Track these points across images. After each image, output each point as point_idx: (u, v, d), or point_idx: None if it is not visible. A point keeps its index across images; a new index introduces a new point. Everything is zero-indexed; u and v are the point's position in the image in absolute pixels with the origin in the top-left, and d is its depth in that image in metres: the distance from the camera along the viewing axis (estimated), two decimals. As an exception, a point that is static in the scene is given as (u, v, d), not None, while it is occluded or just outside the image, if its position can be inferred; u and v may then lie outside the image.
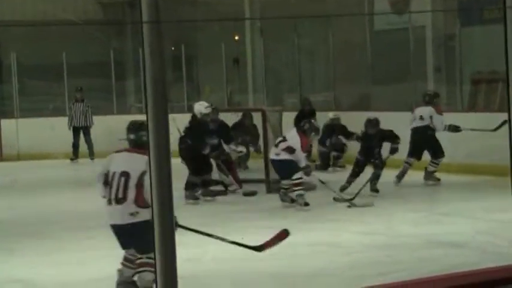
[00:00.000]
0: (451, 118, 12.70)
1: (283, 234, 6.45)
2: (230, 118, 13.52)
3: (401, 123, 14.24)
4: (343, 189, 11.50)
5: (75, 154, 17.69)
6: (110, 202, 6.43)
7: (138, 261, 6.42)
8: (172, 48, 19.71)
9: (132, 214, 6.33)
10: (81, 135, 17.78)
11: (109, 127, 17.47)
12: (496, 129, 11.52)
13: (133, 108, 21.83)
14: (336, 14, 16.13)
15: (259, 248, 6.48)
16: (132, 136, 6.61)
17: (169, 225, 2.68)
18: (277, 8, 19.10)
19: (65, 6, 20.89)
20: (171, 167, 2.80)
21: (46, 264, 8.16)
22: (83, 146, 17.62)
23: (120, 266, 6.73)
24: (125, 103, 21.78)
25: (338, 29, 17.34)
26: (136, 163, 6.36)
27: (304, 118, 12.38)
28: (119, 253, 8.29)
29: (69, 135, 17.65)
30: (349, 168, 12.28)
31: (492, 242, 8.28)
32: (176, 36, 19.42)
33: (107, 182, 6.46)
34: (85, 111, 17.88)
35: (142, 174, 6.25)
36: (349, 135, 13.72)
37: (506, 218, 9.48)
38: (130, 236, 6.41)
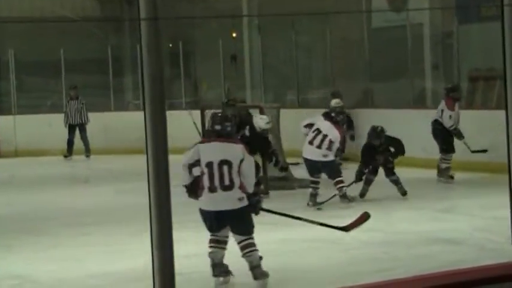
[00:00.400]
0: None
1: (365, 216, 7.47)
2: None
3: (398, 120, 14.29)
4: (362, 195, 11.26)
5: (69, 151, 17.62)
6: (214, 190, 6.67)
7: (243, 243, 6.78)
8: (170, 45, 19.70)
9: (240, 199, 6.70)
10: (77, 132, 17.70)
11: (106, 124, 17.51)
12: (474, 152, 12.17)
13: (131, 105, 21.82)
14: (334, 11, 16.11)
15: (345, 228, 7.44)
16: (218, 127, 6.86)
17: (167, 223, 2.68)
18: (275, 5, 19.09)
19: (62, 3, 20.87)
20: (168, 163, 2.81)
21: (44, 260, 8.18)
22: (78, 143, 17.59)
23: (211, 250, 6.96)
24: (123, 100, 21.76)
25: (336, 26, 17.32)
26: (233, 152, 6.74)
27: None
28: (116, 249, 8.33)
29: (66, 132, 17.64)
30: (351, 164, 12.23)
31: (490, 239, 8.30)
32: (174, 32, 19.41)
33: (190, 171, 6.76)
34: (80, 109, 17.76)
35: (241, 162, 6.69)
36: (350, 126, 13.50)
37: (503, 215, 9.49)
38: (237, 220, 6.75)
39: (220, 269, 6.93)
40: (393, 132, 14.11)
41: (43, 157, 17.40)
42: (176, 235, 2.94)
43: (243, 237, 6.80)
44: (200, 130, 12.70)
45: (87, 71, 20.70)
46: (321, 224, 7.40)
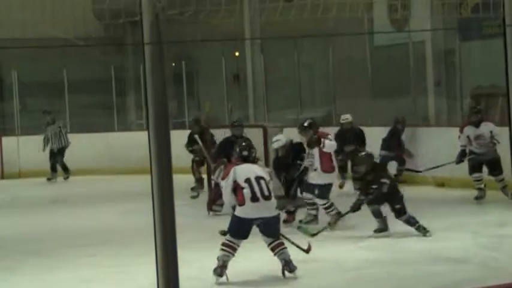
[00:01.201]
0: (452, 133, 12.69)
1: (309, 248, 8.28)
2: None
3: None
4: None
5: (53, 175, 17.47)
6: (257, 199, 7.74)
7: (275, 243, 7.85)
8: (173, 64, 19.74)
9: (276, 208, 7.96)
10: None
11: (110, 144, 17.50)
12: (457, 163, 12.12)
13: (134, 124, 21.85)
14: (336, 32, 16.15)
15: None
16: (246, 153, 8.27)
17: (171, 243, 2.69)
18: (277, 26, 19.13)
19: (65, 25, 20.92)
20: (173, 182, 2.82)
21: (49, 282, 8.16)
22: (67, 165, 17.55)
23: (225, 253, 7.77)
24: (126, 120, 21.80)
25: (338, 44, 17.36)
26: (262, 171, 8.10)
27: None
28: (121, 270, 8.31)
29: (69, 153, 17.55)
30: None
31: (494, 257, 8.27)
32: (177, 52, 19.45)
33: (234, 190, 7.86)
34: (58, 133, 17.56)
35: (269, 179, 8.08)
36: (362, 143, 13.29)
37: (508, 233, 9.48)
38: (273, 224, 7.90)
39: (224, 270, 7.74)
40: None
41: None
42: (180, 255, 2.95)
43: (274, 239, 7.86)
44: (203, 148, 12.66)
45: (90, 91, 20.75)
46: (291, 243, 8.20)
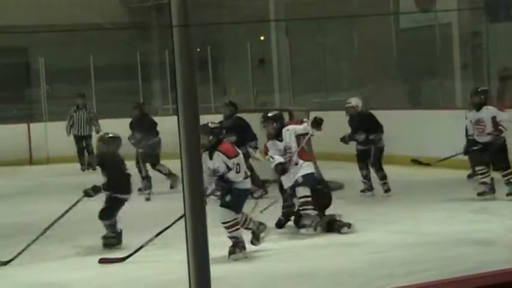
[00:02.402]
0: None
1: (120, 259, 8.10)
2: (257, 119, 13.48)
3: (427, 121, 14.25)
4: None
5: (83, 162, 16.90)
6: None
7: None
8: (198, 49, 19.77)
9: None
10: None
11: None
12: (465, 153, 11.14)
13: (160, 110, 21.90)
14: (361, 14, 16.10)
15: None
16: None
17: (202, 227, 2.70)
18: (302, 8, 19.09)
19: (91, 10, 21.00)
20: (202, 167, 2.84)
21: (77, 267, 8.21)
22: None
23: (238, 230, 8.17)
24: (152, 105, 21.86)
25: (363, 27, 17.31)
26: None
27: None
28: (149, 254, 8.36)
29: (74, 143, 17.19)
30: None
31: (522, 240, 8.25)
32: (202, 37, 19.47)
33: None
34: (89, 119, 17.10)
35: None
36: (374, 129, 12.05)
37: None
38: None
39: (243, 243, 8.15)
40: (422, 132, 14.14)
41: (75, 163, 17.44)
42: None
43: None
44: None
45: (116, 77, 20.84)
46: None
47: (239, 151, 8.41)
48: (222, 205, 8.19)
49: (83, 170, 16.70)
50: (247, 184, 8.41)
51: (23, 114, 21.06)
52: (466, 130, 11.04)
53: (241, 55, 19.69)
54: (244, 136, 12.02)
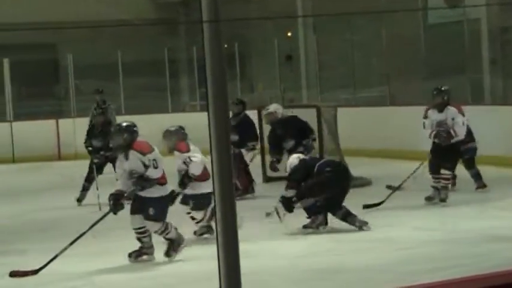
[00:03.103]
0: (506, 112, 12.54)
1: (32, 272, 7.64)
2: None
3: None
4: None
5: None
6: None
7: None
8: (226, 45, 19.75)
9: None
10: None
11: (163, 126, 17.50)
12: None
13: (187, 106, 21.95)
14: (389, 9, 16.04)
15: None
16: None
17: (232, 221, 2.71)
18: (330, 4, 19.05)
19: (118, 6, 21.08)
20: (232, 162, 2.84)
21: (109, 261, 8.25)
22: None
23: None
24: (179, 101, 21.91)
25: (391, 23, 17.24)
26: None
27: None
28: (187, 249, 8.37)
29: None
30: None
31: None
32: (229, 33, 19.45)
33: None
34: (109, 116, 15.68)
35: None
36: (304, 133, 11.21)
37: None
38: None
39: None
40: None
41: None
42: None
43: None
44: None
45: (143, 73, 20.91)
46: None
47: (154, 147, 8.12)
48: (146, 219, 7.96)
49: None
50: (167, 190, 8.13)
51: (51, 111, 21.18)
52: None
53: (268, 51, 19.68)
54: (245, 136, 11.86)
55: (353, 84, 18.04)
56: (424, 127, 10.45)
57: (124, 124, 8.29)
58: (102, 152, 11.96)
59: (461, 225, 9.04)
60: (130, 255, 8.06)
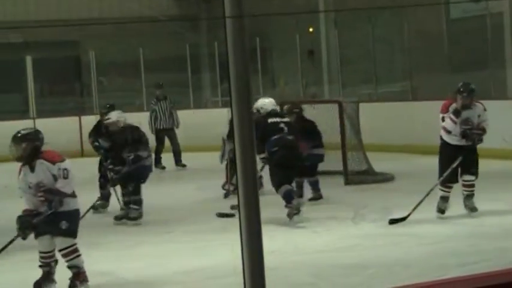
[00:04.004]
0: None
1: None
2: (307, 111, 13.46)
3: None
4: None
5: (158, 162, 15.20)
6: None
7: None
8: (247, 41, 19.75)
9: None
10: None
11: (185, 121, 17.55)
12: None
13: (209, 102, 21.97)
14: (412, 4, 15.97)
15: None
16: None
17: (255, 217, 2.70)
18: (352, -1, 19.03)
19: (140, 3, 21.13)
20: (256, 159, 2.84)
21: (129, 257, 8.29)
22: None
23: None
24: (201, 97, 21.93)
25: (413, 17, 17.17)
26: None
27: None
28: (200, 245, 8.41)
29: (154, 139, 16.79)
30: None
31: None
32: (251, 28, 19.41)
33: None
34: (169, 110, 15.70)
35: None
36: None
37: None
38: None
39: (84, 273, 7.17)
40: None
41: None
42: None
43: None
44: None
45: (165, 69, 20.94)
46: None
47: (64, 157, 7.12)
48: (57, 235, 6.99)
49: (163, 168, 15.39)
50: (77, 203, 7.15)
51: (74, 107, 21.27)
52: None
53: (290, 46, 19.65)
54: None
55: (375, 79, 17.97)
56: (444, 123, 9.23)
57: (23, 132, 7.11)
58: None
59: (486, 220, 8.99)
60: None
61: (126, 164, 9.98)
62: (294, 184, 9.92)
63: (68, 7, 21.12)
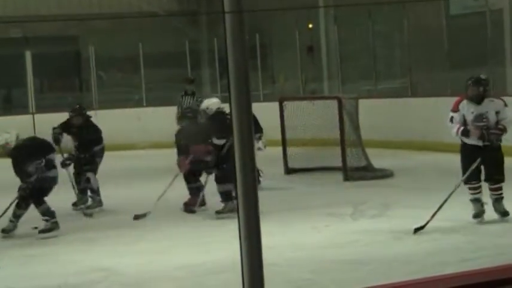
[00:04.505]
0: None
1: None
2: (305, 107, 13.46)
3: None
4: None
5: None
6: None
7: None
8: (247, 37, 19.71)
9: None
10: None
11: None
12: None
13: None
14: (411, 0, 15.95)
15: None
16: None
17: (254, 213, 2.70)
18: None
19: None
20: (254, 154, 2.84)
21: (129, 253, 8.29)
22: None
23: None
24: (201, 93, 21.91)
25: (413, 14, 17.15)
26: None
27: None
28: (200, 241, 8.41)
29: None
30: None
31: None
32: (250, 24, 19.38)
33: None
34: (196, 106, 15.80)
35: None
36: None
37: None
38: None
39: None
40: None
41: (127, 151, 17.50)
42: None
43: None
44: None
45: (165, 65, 20.92)
46: None
47: None
48: None
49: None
50: None
51: (73, 103, 21.24)
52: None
53: (289, 42, 19.63)
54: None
55: (375, 76, 17.97)
56: (451, 122, 8.66)
57: None
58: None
59: (486, 217, 8.97)
60: None
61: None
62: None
63: (67, 2, 21.10)
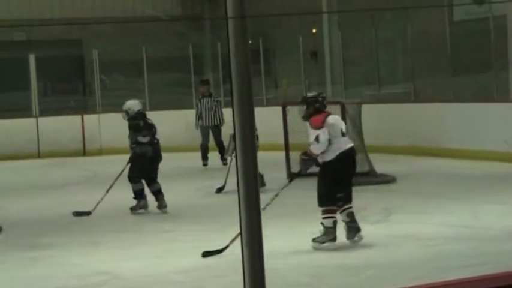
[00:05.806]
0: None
1: None
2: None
3: (481, 114, 14.11)
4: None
5: (205, 158, 15.52)
6: None
7: None
8: (250, 41, 19.71)
9: None
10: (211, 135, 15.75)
11: (189, 121, 17.58)
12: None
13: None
14: (415, 6, 15.97)
15: None
16: None
17: (256, 218, 2.71)
18: (355, 0, 19.00)
19: (144, 2, 21.15)
20: (257, 157, 2.84)
21: (129, 256, 8.30)
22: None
23: None
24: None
25: (417, 19, 17.16)
26: None
27: None
28: (199, 245, 8.41)
29: (200, 136, 16.03)
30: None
31: None
32: (254, 29, 19.41)
33: None
34: (214, 108, 15.58)
35: None
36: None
37: None
38: None
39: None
40: (476, 125, 13.99)
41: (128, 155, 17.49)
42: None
43: None
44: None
45: (168, 69, 20.94)
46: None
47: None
48: None
49: (205, 165, 15.51)
50: None
51: (77, 106, 21.30)
52: None
53: (293, 47, 19.64)
54: None
55: (378, 81, 17.97)
56: None
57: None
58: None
59: (489, 223, 8.98)
60: None
61: None
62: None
63: (71, 6, 21.14)
